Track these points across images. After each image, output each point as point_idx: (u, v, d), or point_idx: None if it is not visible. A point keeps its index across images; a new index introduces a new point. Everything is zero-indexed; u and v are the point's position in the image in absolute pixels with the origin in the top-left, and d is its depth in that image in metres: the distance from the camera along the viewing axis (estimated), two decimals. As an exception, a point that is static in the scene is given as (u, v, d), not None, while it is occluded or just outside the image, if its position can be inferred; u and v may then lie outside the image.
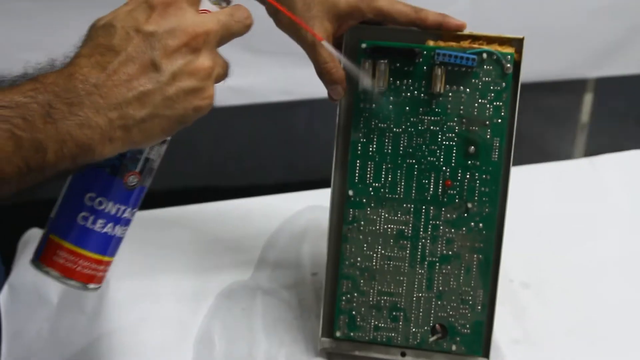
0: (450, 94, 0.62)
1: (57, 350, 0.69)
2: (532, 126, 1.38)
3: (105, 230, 0.52)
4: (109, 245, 0.53)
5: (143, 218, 0.76)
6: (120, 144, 0.47)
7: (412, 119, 0.63)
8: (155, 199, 0.68)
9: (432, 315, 0.65)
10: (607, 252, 0.79)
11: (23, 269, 0.76)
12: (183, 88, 0.48)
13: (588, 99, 1.33)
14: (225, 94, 1.15)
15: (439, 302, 0.65)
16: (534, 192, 0.86)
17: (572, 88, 1.33)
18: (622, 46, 1.25)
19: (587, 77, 1.29)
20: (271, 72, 1.08)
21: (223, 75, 0.51)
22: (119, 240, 0.53)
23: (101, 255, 0.52)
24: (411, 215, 0.64)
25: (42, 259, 0.52)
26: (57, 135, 0.44)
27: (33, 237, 0.79)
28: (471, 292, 0.65)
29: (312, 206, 0.82)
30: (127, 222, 0.53)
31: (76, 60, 0.47)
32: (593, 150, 0.96)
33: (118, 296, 0.72)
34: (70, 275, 0.52)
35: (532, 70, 1.19)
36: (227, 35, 0.50)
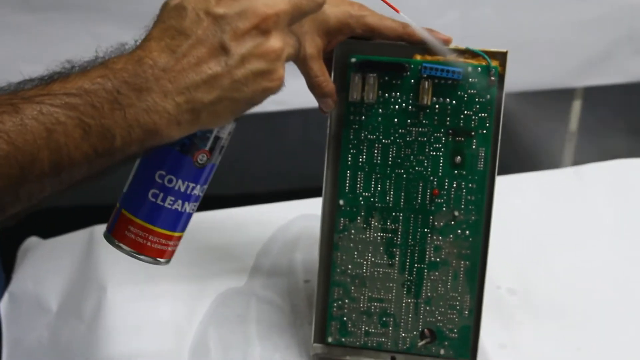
0: (437, 106, 0.64)
1: (57, 358, 0.70)
2: (520, 135, 1.40)
3: (175, 207, 0.53)
4: (179, 222, 0.54)
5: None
6: (189, 126, 0.48)
7: (400, 130, 0.65)
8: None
9: (421, 320, 0.67)
10: (592, 260, 0.81)
11: (23, 277, 0.77)
12: (252, 70, 0.48)
13: (576, 108, 1.35)
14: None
15: (428, 308, 0.67)
16: (521, 200, 0.88)
17: (560, 98, 1.35)
18: (609, 56, 1.27)
19: (574, 86, 1.31)
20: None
21: (294, 54, 0.51)
22: (189, 216, 0.54)
23: (171, 231, 0.54)
24: (400, 223, 0.66)
25: (115, 234, 0.53)
26: (124, 122, 0.45)
27: (32, 245, 0.80)
28: (459, 298, 0.67)
29: (305, 215, 0.84)
30: (197, 199, 0.54)
31: (146, 44, 0.47)
32: (581, 158, 0.97)
33: (115, 303, 0.73)
34: (141, 250, 0.53)
35: (520, 80, 1.21)
36: (299, 14, 0.50)
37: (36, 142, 0.43)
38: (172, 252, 0.55)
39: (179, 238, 0.55)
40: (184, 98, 0.46)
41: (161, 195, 0.52)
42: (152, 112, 0.46)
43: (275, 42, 0.49)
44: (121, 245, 0.53)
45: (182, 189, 0.52)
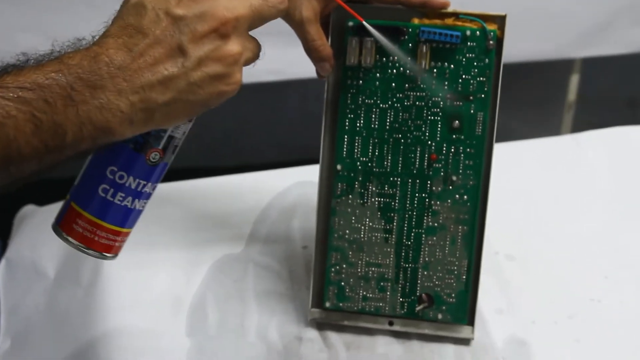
0: (435, 70, 0.64)
1: (55, 323, 0.71)
2: (519, 106, 1.40)
3: (124, 203, 0.53)
4: (127, 218, 0.54)
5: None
6: (142, 125, 0.47)
7: (398, 95, 0.65)
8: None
9: (418, 285, 0.67)
10: (590, 226, 0.81)
11: (20, 243, 0.77)
12: (209, 73, 0.48)
13: (575, 79, 1.35)
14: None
15: (425, 273, 0.67)
16: (519, 167, 0.87)
17: (558, 68, 1.34)
18: (608, 27, 1.27)
19: (573, 57, 1.31)
20: (263, 52, 1.09)
21: (252, 58, 0.51)
22: (138, 213, 0.54)
23: (119, 227, 0.54)
24: (398, 188, 0.66)
25: (62, 226, 0.53)
26: (76, 118, 0.45)
27: (29, 213, 0.80)
28: (456, 263, 0.67)
29: (302, 182, 0.83)
30: (147, 196, 0.54)
31: (104, 40, 0.47)
32: (579, 129, 0.97)
33: (112, 270, 0.73)
34: (89, 244, 0.53)
35: (519, 50, 1.21)
36: (259, 19, 0.50)
37: None
38: (120, 247, 0.55)
39: (127, 234, 0.55)
40: (138, 97, 0.46)
41: (111, 191, 0.52)
42: (105, 110, 0.45)
43: (233, 46, 0.48)
44: (69, 238, 0.53)
45: (133, 186, 0.52)
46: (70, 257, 0.75)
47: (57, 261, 0.75)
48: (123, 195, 0.52)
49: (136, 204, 0.53)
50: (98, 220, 0.53)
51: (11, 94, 0.44)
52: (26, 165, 0.45)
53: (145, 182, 0.53)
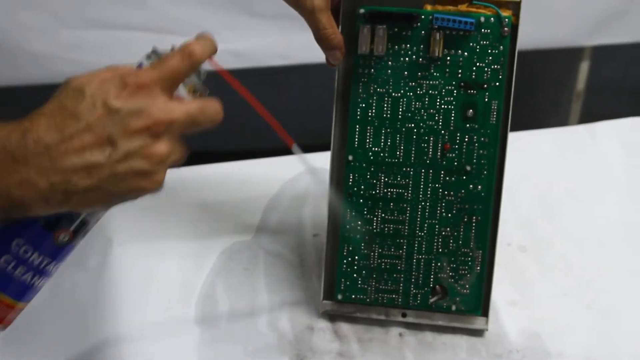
0: (448, 58, 0.63)
1: (59, 307, 0.70)
2: (527, 94, 1.39)
3: (24, 278, 0.52)
4: (25, 293, 0.53)
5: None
6: (57, 206, 0.47)
7: (410, 84, 0.64)
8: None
9: (432, 276, 0.66)
10: (604, 218, 0.80)
11: None
12: (133, 168, 0.48)
13: (584, 67, 1.34)
14: (224, 58, 1.15)
15: (439, 264, 0.66)
16: (532, 157, 0.87)
17: (568, 56, 1.33)
18: (622, 14, 1.25)
19: (583, 45, 1.30)
20: (270, 36, 1.09)
21: (177, 161, 0.51)
22: (35, 290, 0.53)
23: (15, 301, 0.53)
24: (410, 178, 0.65)
25: None
26: None
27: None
28: (470, 254, 0.66)
29: (313, 168, 0.83)
30: (48, 274, 0.53)
31: (36, 118, 0.47)
32: (588, 118, 0.96)
33: (121, 255, 0.73)
34: None
35: (529, 38, 1.19)
36: (192, 127, 0.50)
37: None
38: (11, 320, 0.54)
39: (21, 309, 0.54)
40: (59, 179, 0.46)
41: (13, 263, 0.51)
42: (24, 186, 0.46)
43: (162, 147, 0.48)
44: None
45: (36, 263, 0.51)
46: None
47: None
48: (24, 269, 0.51)
49: (36, 280, 0.52)
50: None
51: None
52: None
53: (49, 260, 0.52)
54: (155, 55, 0.51)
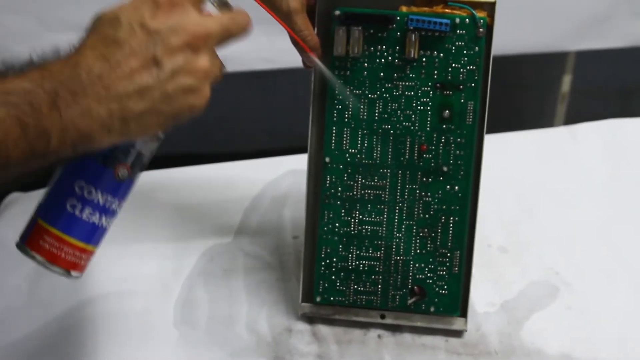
0: (424, 59, 0.63)
1: (37, 310, 0.70)
2: (512, 98, 1.39)
3: (92, 219, 0.53)
4: (94, 235, 0.54)
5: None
6: (118, 135, 0.48)
7: (387, 85, 0.64)
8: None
9: (410, 277, 0.66)
10: (585, 219, 0.80)
11: (4, 227, 0.76)
12: (181, 86, 0.49)
13: (569, 71, 1.34)
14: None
15: (417, 265, 0.66)
16: (514, 159, 0.87)
17: (552, 60, 1.33)
18: (606, 19, 1.26)
19: (568, 49, 1.30)
20: (255, 40, 1.08)
21: (218, 76, 0.52)
22: (103, 231, 0.54)
23: (86, 244, 0.53)
24: (388, 180, 0.65)
25: (29, 243, 0.53)
26: (60, 123, 0.46)
27: (14, 200, 0.79)
28: (448, 254, 0.66)
29: (293, 170, 0.83)
30: (113, 214, 0.54)
31: (81, 50, 0.48)
32: (573, 121, 0.97)
33: (100, 257, 0.71)
34: (55, 261, 0.53)
35: (513, 42, 1.20)
36: (227, 37, 0.52)
37: None
38: (85, 266, 0.55)
39: (92, 253, 0.55)
40: (116, 106, 0.47)
41: (79, 206, 0.52)
42: (87, 116, 0.46)
43: (204, 61, 0.50)
44: (35, 255, 0.53)
45: (101, 202, 0.53)
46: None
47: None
48: (91, 210, 0.52)
49: (103, 220, 0.53)
50: (65, 236, 0.52)
51: None
52: (12, 169, 0.46)
53: (112, 198, 0.53)
54: None
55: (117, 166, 0.52)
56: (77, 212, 0.52)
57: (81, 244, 0.53)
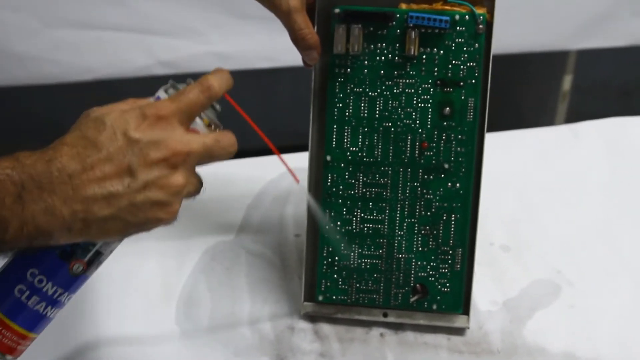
0: (424, 56, 0.63)
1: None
2: (513, 96, 1.39)
3: (37, 308, 0.52)
4: (37, 323, 0.53)
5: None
6: (77, 235, 0.48)
7: (387, 82, 0.64)
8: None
9: (412, 275, 0.66)
10: (586, 217, 0.80)
11: None
12: (151, 198, 0.49)
13: (570, 70, 1.34)
14: (210, 60, 1.15)
15: (419, 263, 0.66)
16: (516, 157, 0.87)
17: (554, 59, 1.33)
18: (608, 18, 1.26)
19: (570, 48, 1.30)
20: (256, 38, 1.08)
21: (194, 192, 0.52)
22: (48, 320, 0.53)
23: (27, 331, 0.53)
24: (389, 178, 0.65)
25: None
26: (21, 216, 0.46)
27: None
28: (450, 252, 0.66)
29: (295, 168, 0.82)
30: (60, 306, 0.53)
31: (59, 147, 0.48)
32: (574, 119, 0.97)
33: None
34: None
35: (515, 41, 1.20)
36: (208, 158, 0.52)
37: None
38: (22, 351, 0.54)
39: (32, 339, 0.54)
40: (81, 207, 0.47)
41: (28, 293, 0.51)
42: (49, 214, 0.47)
43: (179, 177, 0.50)
44: None
45: (50, 293, 0.52)
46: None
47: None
48: (38, 299, 0.52)
49: (48, 311, 0.53)
50: (7, 320, 0.52)
51: None
52: None
53: (62, 291, 0.53)
54: (173, 88, 0.53)
55: (73, 262, 0.52)
56: (23, 299, 0.51)
57: (23, 331, 0.52)
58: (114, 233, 0.50)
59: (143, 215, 0.49)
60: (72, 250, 0.51)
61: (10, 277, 0.52)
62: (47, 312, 0.53)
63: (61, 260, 0.52)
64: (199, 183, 0.52)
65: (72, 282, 0.52)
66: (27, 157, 0.47)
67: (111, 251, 0.54)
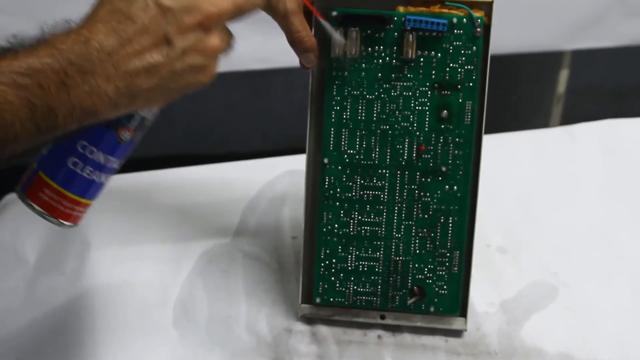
0: (421, 59, 0.63)
1: (34, 311, 0.69)
2: (508, 98, 1.39)
3: (91, 177, 0.54)
4: (91, 190, 0.55)
5: (123, 181, 0.76)
6: (124, 109, 0.49)
7: (384, 85, 0.64)
8: (133, 166, 0.69)
9: (410, 278, 0.66)
10: (583, 219, 0.80)
11: (0, 228, 0.76)
12: (190, 64, 0.50)
13: (564, 72, 1.34)
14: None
15: (417, 265, 0.66)
16: (512, 159, 0.87)
17: (548, 60, 1.34)
18: (599, 19, 1.26)
19: (564, 49, 1.30)
20: (250, 40, 1.08)
21: (228, 50, 0.53)
22: (101, 186, 0.56)
23: (83, 199, 0.55)
24: (386, 180, 0.65)
25: (28, 194, 0.55)
26: (68, 103, 0.46)
27: (11, 201, 0.79)
28: (448, 254, 0.66)
29: (291, 170, 0.83)
30: (112, 171, 0.56)
31: (93, 25, 0.48)
32: (568, 121, 0.97)
33: (98, 258, 0.73)
34: (52, 212, 0.55)
35: (509, 42, 1.20)
36: (240, 14, 0.52)
37: None
38: (79, 217, 0.57)
39: (88, 205, 0.57)
40: (124, 83, 0.48)
41: (80, 164, 0.54)
42: (94, 94, 0.47)
43: (214, 40, 0.51)
44: (33, 205, 0.55)
45: (101, 161, 0.54)
46: (53, 245, 0.74)
47: (38, 247, 0.74)
48: (91, 169, 0.54)
49: (102, 177, 0.55)
50: (64, 191, 0.54)
51: (7, 79, 0.45)
52: (19, 146, 0.47)
53: (113, 158, 0.55)
54: None
55: (120, 129, 0.54)
56: (77, 170, 0.54)
57: (79, 199, 0.55)
58: (158, 101, 0.51)
59: (184, 81, 0.50)
60: (117, 119, 0.53)
61: (63, 149, 0.54)
62: (101, 179, 0.55)
63: (108, 130, 0.54)
64: (232, 39, 0.53)
65: (121, 148, 0.55)
66: (62, 42, 0.47)
67: (155, 115, 0.55)
